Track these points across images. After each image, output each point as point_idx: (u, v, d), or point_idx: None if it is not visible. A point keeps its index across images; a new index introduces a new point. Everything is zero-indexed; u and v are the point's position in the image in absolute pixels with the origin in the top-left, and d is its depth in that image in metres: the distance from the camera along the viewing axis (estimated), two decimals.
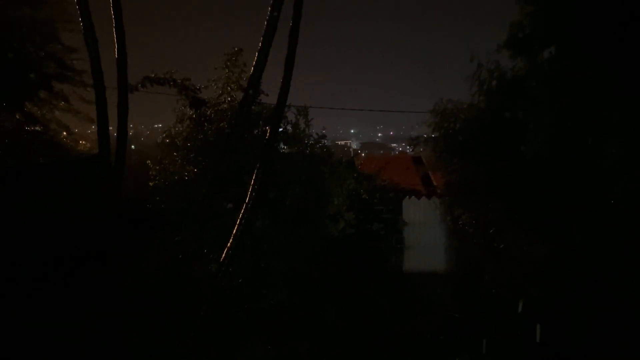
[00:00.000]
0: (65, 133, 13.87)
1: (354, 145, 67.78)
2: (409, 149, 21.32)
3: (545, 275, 9.63)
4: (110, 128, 8.07)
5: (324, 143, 12.41)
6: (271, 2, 6.99)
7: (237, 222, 7.39)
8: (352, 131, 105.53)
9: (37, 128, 12.76)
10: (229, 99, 11.04)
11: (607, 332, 8.96)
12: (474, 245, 11.77)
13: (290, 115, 11.52)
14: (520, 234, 10.12)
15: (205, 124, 10.85)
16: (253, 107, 9.82)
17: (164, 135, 11.31)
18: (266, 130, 8.52)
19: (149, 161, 11.31)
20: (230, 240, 7.39)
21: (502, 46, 9.38)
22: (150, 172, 11.03)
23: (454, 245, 14.95)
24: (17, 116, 12.42)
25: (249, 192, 7.35)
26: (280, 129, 10.73)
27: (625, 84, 7.73)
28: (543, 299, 9.92)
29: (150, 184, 10.94)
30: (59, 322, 6.95)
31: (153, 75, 10.29)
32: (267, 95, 10.75)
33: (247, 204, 7.35)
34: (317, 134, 12.01)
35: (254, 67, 7.29)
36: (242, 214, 7.36)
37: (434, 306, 12.61)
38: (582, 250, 9.01)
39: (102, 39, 7.45)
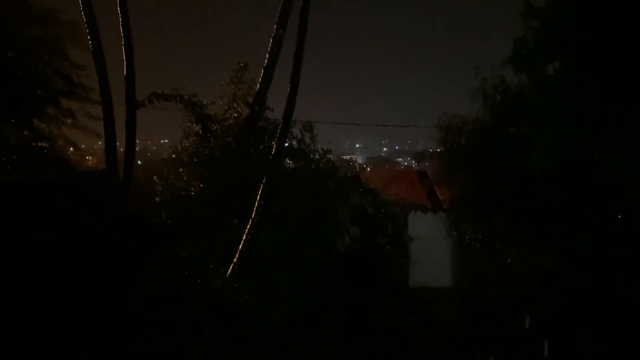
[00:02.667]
0: (72, 149, 13.97)
1: (359, 160, 67.60)
2: (414, 164, 21.32)
3: (552, 290, 9.59)
4: (117, 143, 8.14)
5: (329, 158, 12.42)
6: (277, 20, 7.08)
7: (243, 237, 7.41)
8: (357, 146, 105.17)
9: (44, 144, 12.85)
10: (235, 114, 11.09)
11: (616, 347, 8.89)
12: (480, 259, 11.74)
13: (296, 131, 11.56)
14: (527, 248, 10.09)
15: (212, 139, 10.88)
16: (259, 123, 9.86)
17: (170, 150, 11.36)
18: (272, 146, 8.56)
19: (155, 176, 11.34)
20: (236, 255, 7.40)
21: (506, 61, 9.45)
22: (157, 188, 11.06)
23: (460, 260, 14.90)
24: (25, 132, 12.52)
25: (255, 207, 7.38)
26: (286, 144, 10.78)
27: (631, 98, 7.75)
28: (550, 314, 9.86)
29: (157, 199, 10.96)
30: (63, 333, 6.96)
31: (160, 91, 10.38)
32: (273, 110, 10.80)
33: (252, 219, 7.37)
34: (322, 148, 12.03)
35: (259, 83, 7.36)
36: (248, 229, 7.39)
37: (441, 321, 12.53)
38: (588, 263, 8.98)
39: (109, 55, 7.54)
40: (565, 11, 8.48)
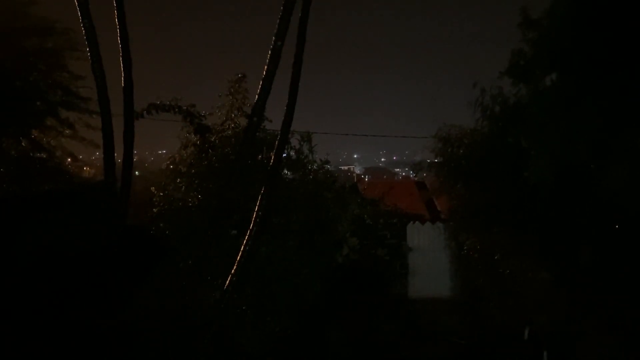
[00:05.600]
0: (70, 160, 13.97)
1: (358, 170, 67.80)
2: (412, 174, 21.35)
3: (551, 301, 9.57)
4: (115, 154, 8.10)
5: (328, 168, 12.41)
6: (275, 31, 7.09)
7: (241, 249, 7.36)
8: (355, 156, 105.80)
9: (43, 155, 12.85)
10: (233, 125, 11.09)
11: (615, 358, 8.86)
12: (479, 271, 11.73)
13: (294, 141, 11.56)
14: (526, 259, 10.08)
15: (210, 150, 10.87)
16: (257, 134, 9.85)
17: (168, 161, 11.35)
18: (270, 157, 8.53)
19: (153, 187, 11.31)
20: (234, 266, 7.34)
21: (504, 73, 9.48)
22: (154, 199, 11.02)
23: (459, 271, 14.88)
24: (23, 143, 12.52)
25: (253, 219, 7.33)
26: (284, 155, 10.76)
27: (630, 109, 7.78)
28: (549, 325, 9.84)
29: (154, 210, 10.92)
30: (60, 345, 6.90)
31: (158, 102, 10.39)
32: (271, 121, 10.78)
33: (251, 231, 7.32)
34: (320, 159, 12.02)
35: (258, 95, 7.34)
36: (246, 240, 7.33)
37: (439, 333, 12.50)
38: (587, 274, 8.97)
39: (108, 65, 7.52)
40: (562, 22, 8.52)
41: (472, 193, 10.92)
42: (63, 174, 12.98)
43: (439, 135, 11.28)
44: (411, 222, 16.53)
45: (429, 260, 15.94)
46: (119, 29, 7.43)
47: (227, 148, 10.78)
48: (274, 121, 10.59)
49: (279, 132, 7.90)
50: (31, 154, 12.70)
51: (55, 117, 12.65)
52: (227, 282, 7.50)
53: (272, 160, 7.89)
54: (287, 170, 11.66)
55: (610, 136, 7.78)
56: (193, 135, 10.92)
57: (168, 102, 10.48)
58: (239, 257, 7.43)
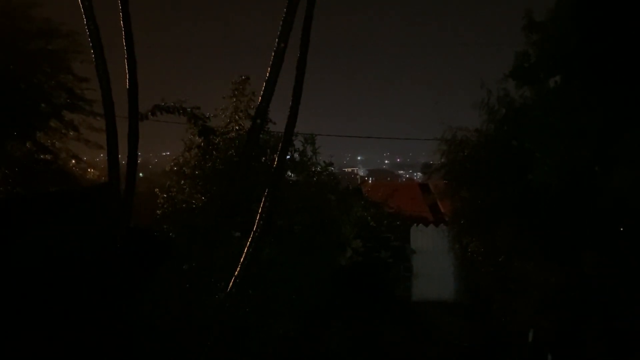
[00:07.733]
0: (74, 161, 14.00)
1: (361, 172, 67.81)
2: (416, 176, 21.35)
3: (556, 304, 9.53)
4: (119, 156, 8.11)
5: (331, 170, 12.41)
6: (278, 33, 7.09)
7: (245, 251, 7.35)
8: (359, 158, 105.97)
9: (47, 157, 12.86)
10: (237, 127, 11.10)
11: None
12: (483, 273, 11.68)
13: (298, 143, 11.56)
14: (530, 261, 10.04)
15: (214, 152, 10.88)
16: (261, 136, 9.85)
17: (173, 163, 11.36)
18: (274, 159, 8.54)
19: (157, 189, 11.32)
20: (238, 268, 7.33)
21: (508, 75, 9.47)
22: (158, 200, 11.04)
23: (463, 274, 14.84)
24: (28, 145, 12.53)
25: (257, 221, 7.31)
26: (288, 157, 10.75)
27: (634, 111, 7.75)
28: (554, 328, 9.79)
29: (158, 212, 10.93)
30: (65, 347, 6.89)
31: (163, 104, 10.38)
32: (275, 123, 10.81)
33: (254, 233, 7.30)
34: (324, 161, 12.03)
35: (261, 96, 7.32)
36: (250, 242, 7.32)
37: (443, 335, 12.47)
38: (592, 277, 8.93)
39: (111, 66, 7.54)
40: (566, 25, 8.50)
41: (476, 195, 10.89)
42: (67, 175, 12.99)
43: (445, 137, 11.26)
44: (415, 224, 16.50)
45: (433, 263, 15.90)
46: (124, 30, 7.45)
47: (231, 150, 10.78)
48: (277, 123, 10.62)
49: (283, 134, 7.92)
50: (35, 156, 12.71)
51: (59, 119, 12.67)
52: (230, 284, 7.51)
53: (275, 162, 7.90)
54: (291, 172, 11.67)
55: (614, 138, 7.75)
56: (197, 137, 10.92)
57: (173, 104, 10.48)
58: (242, 259, 7.42)
